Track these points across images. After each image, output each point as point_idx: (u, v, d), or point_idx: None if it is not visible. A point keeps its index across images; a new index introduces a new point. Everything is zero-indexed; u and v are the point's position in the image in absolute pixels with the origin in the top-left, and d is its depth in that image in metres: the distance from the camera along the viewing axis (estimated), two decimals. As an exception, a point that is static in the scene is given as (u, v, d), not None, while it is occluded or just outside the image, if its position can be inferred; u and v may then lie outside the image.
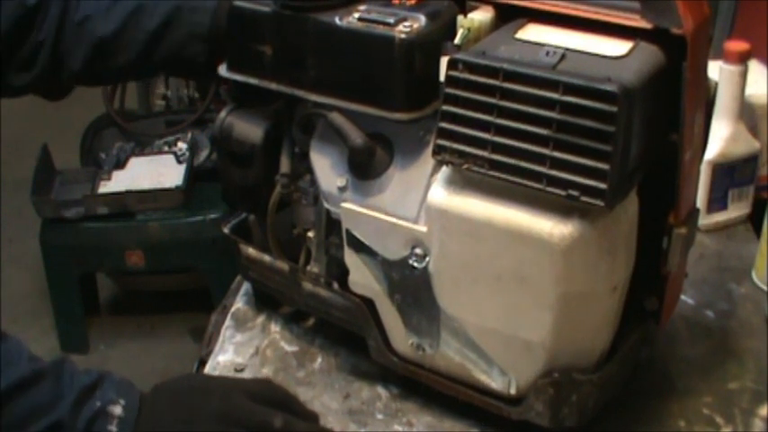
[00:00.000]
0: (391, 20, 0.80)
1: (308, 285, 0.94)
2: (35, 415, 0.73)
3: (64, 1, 1.01)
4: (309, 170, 0.91)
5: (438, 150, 0.76)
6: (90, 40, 1.00)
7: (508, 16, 0.80)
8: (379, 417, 0.89)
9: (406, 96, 0.80)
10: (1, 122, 1.04)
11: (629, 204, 0.77)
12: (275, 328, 1.02)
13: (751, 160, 1.16)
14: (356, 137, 0.83)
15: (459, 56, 0.74)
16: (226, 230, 1.02)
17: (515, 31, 0.78)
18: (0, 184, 0.98)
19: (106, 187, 2.17)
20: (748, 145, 1.15)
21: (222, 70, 0.92)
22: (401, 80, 0.80)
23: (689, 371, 0.94)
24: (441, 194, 0.78)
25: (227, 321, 1.03)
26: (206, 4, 0.98)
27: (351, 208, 0.86)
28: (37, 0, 1.00)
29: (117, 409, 0.76)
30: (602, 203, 0.70)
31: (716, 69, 1.11)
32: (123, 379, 0.80)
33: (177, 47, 0.99)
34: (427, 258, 0.82)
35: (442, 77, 0.76)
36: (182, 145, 2.30)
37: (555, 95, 0.70)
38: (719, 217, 1.18)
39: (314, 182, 0.91)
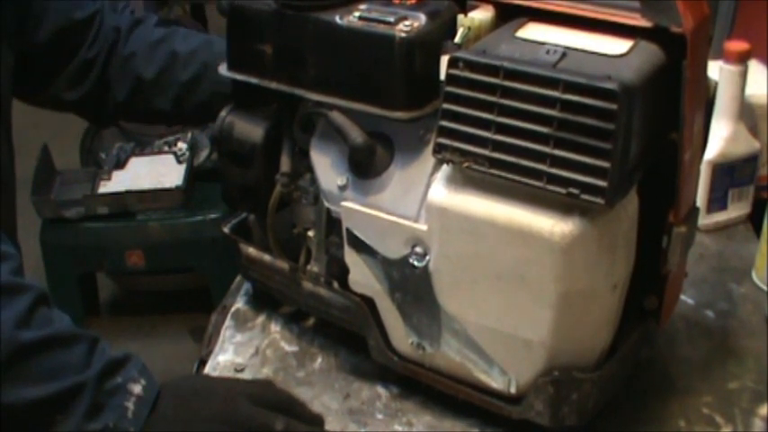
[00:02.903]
0: (391, 19, 0.80)
1: (308, 285, 0.94)
2: (63, 372, 0.75)
3: (116, 30, 1.09)
4: (310, 169, 0.91)
5: (438, 149, 0.76)
6: (133, 77, 1.08)
7: (508, 15, 0.80)
8: (379, 417, 0.89)
9: (406, 95, 0.80)
10: (12, 124, 1.06)
11: (629, 203, 0.77)
12: (275, 328, 1.02)
13: (751, 160, 1.16)
14: (356, 136, 0.83)
15: (459, 54, 0.74)
16: (226, 230, 1.02)
17: (516, 30, 0.78)
18: (0, 184, 0.98)
19: (106, 187, 2.17)
20: (748, 145, 1.15)
21: (222, 69, 0.92)
22: (401, 79, 0.80)
23: (689, 371, 0.94)
24: (441, 193, 0.78)
25: (227, 321, 1.03)
26: None
27: (351, 207, 0.86)
28: (85, 15, 1.07)
29: (137, 388, 0.78)
30: (602, 201, 0.70)
31: (716, 69, 1.11)
32: (146, 366, 0.82)
33: (205, 101, 1.07)
34: (427, 257, 0.82)
35: (442, 76, 0.76)
36: (182, 145, 2.30)
37: (555, 93, 0.70)
38: (719, 217, 1.18)
39: (314, 181, 0.91)
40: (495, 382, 0.83)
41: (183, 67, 1.07)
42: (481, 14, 0.80)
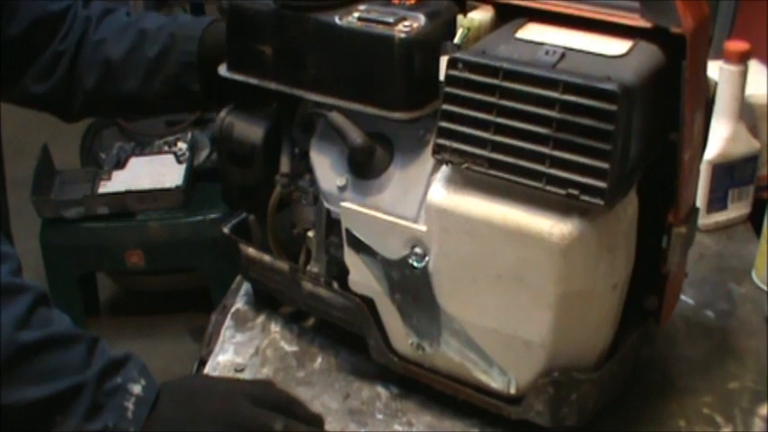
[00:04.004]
0: (391, 19, 0.80)
1: (308, 285, 0.94)
2: (63, 372, 0.75)
3: (87, 20, 1.05)
4: (309, 170, 0.91)
5: (438, 149, 0.76)
6: (102, 60, 1.04)
7: (508, 16, 0.80)
8: (379, 417, 0.89)
9: (405, 96, 0.80)
10: (1, 122, 1.05)
11: (629, 203, 0.77)
12: (275, 328, 1.02)
13: (751, 160, 1.16)
14: (356, 136, 0.83)
15: (458, 55, 0.74)
16: (226, 230, 1.02)
17: (515, 31, 0.78)
18: None
19: (106, 187, 2.17)
20: (748, 145, 1.15)
21: (222, 70, 0.92)
22: (401, 79, 0.80)
23: (689, 371, 0.94)
24: (440, 194, 0.78)
25: (227, 321, 1.03)
26: (198, 30, 1.01)
27: (351, 207, 0.86)
28: (60, 8, 1.05)
29: (136, 388, 0.78)
30: (601, 202, 0.70)
31: (716, 69, 1.11)
32: (146, 366, 0.82)
33: (173, 76, 1.02)
34: (427, 258, 0.82)
35: (441, 77, 0.76)
36: (182, 145, 2.30)
37: (555, 94, 0.70)
38: (719, 217, 1.18)
39: (314, 181, 0.91)
40: (495, 382, 0.83)
41: (151, 44, 1.03)
42: (481, 15, 0.80)
